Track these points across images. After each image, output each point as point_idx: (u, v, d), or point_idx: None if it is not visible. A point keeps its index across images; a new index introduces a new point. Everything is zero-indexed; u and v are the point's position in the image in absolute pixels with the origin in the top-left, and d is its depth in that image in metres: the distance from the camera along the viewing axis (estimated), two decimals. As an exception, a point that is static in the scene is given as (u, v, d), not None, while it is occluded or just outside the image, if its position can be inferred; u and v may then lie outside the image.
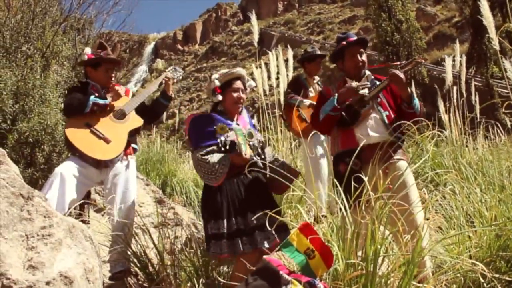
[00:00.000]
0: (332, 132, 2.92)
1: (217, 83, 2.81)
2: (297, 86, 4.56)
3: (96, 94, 3.10)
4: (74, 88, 3.24)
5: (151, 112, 3.39)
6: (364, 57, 2.92)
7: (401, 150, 2.76)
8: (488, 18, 3.38)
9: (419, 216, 2.28)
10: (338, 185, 2.17)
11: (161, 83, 3.43)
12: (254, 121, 2.91)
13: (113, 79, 3.31)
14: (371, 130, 2.73)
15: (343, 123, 2.77)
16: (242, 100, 2.83)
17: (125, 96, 3.29)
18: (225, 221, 2.52)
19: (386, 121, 2.73)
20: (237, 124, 2.77)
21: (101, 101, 3.07)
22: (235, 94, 2.79)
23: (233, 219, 2.53)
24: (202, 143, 2.66)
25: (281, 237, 2.45)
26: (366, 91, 2.78)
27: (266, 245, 2.42)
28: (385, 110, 2.79)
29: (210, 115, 2.79)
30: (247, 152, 2.55)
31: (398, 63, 2.86)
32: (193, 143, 2.73)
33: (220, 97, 2.81)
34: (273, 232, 2.42)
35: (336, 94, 2.79)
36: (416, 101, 2.78)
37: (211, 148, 2.64)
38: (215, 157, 2.59)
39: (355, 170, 2.45)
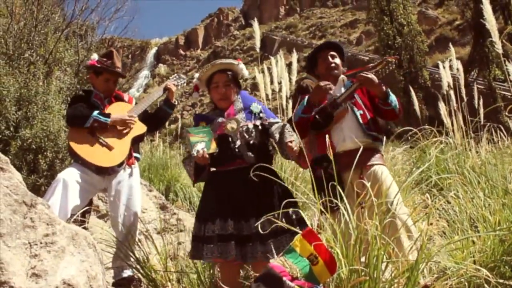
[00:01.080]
0: (309, 136, 2.88)
1: (196, 81, 2.83)
2: None
3: (99, 111, 3.07)
4: (77, 98, 3.22)
5: (154, 119, 3.38)
6: (337, 60, 2.91)
7: (379, 154, 2.75)
8: (491, 21, 3.35)
9: (407, 234, 2.19)
10: (316, 190, 2.17)
11: (165, 90, 3.43)
12: (255, 104, 2.75)
13: (115, 89, 3.31)
14: (346, 135, 2.70)
15: (317, 126, 2.75)
16: (224, 95, 2.69)
17: (128, 103, 3.29)
18: (198, 223, 2.50)
19: (361, 121, 2.71)
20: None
21: (102, 119, 3.03)
22: (216, 90, 2.71)
23: (209, 223, 2.44)
24: None
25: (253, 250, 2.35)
26: (338, 93, 2.79)
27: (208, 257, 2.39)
28: (359, 109, 2.76)
29: (199, 115, 2.80)
30: (199, 151, 2.45)
31: (371, 65, 2.84)
32: None
33: (197, 96, 2.92)
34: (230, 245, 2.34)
35: (307, 96, 2.79)
36: (393, 97, 2.74)
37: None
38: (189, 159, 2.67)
39: (332, 175, 2.46)
